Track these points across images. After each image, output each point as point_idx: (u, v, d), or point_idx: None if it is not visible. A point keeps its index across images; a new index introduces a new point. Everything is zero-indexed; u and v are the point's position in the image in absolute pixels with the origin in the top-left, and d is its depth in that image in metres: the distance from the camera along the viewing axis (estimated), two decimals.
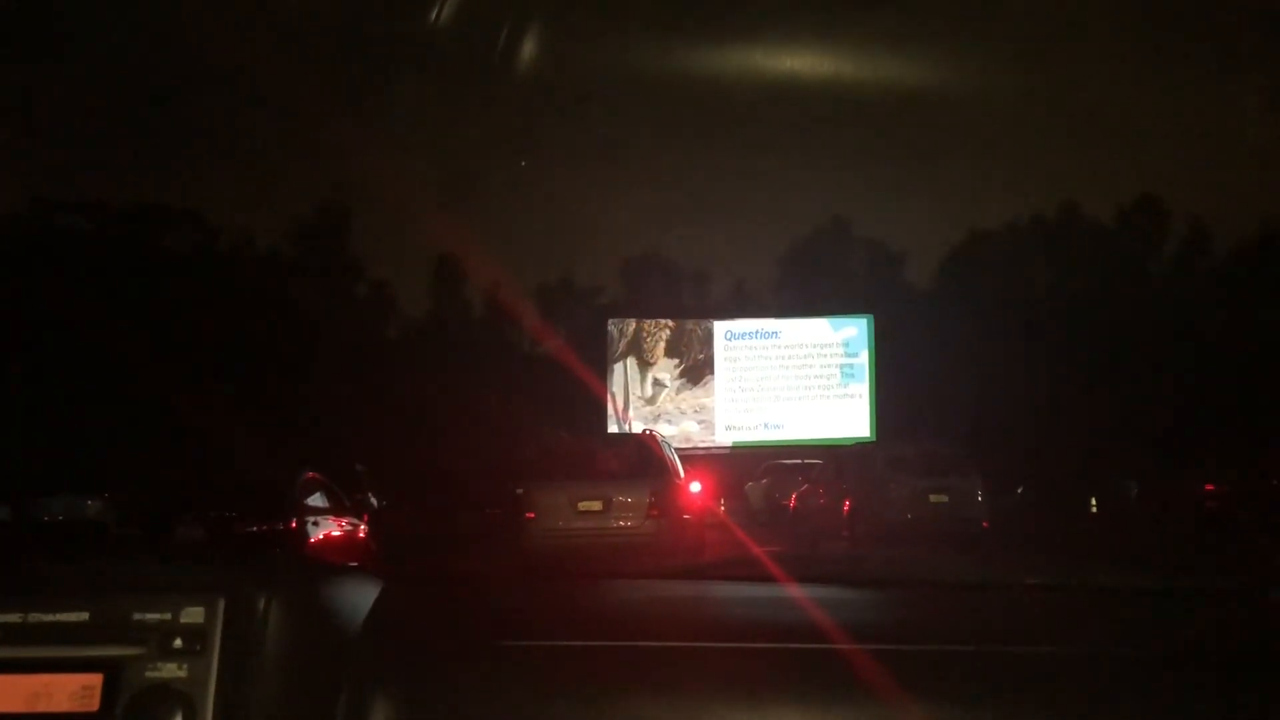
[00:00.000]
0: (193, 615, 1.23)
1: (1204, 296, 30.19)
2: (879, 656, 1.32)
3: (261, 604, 1.25)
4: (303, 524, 10.42)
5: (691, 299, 40.50)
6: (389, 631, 1.37)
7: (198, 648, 1.21)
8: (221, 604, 1.24)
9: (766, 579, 2.00)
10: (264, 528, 10.08)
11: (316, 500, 11.18)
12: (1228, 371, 24.44)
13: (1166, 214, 36.37)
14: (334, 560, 8.98)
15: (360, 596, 1.42)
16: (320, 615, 1.32)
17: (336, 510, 11.56)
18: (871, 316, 28.95)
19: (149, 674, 1.20)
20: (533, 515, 11.80)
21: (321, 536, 10.72)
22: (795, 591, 1.77)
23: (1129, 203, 36.57)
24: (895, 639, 1.39)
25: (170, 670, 1.20)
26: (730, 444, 28.32)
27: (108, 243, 26.76)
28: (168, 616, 1.23)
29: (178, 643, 1.21)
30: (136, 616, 1.23)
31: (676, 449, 14.93)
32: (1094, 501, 23.60)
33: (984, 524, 15.43)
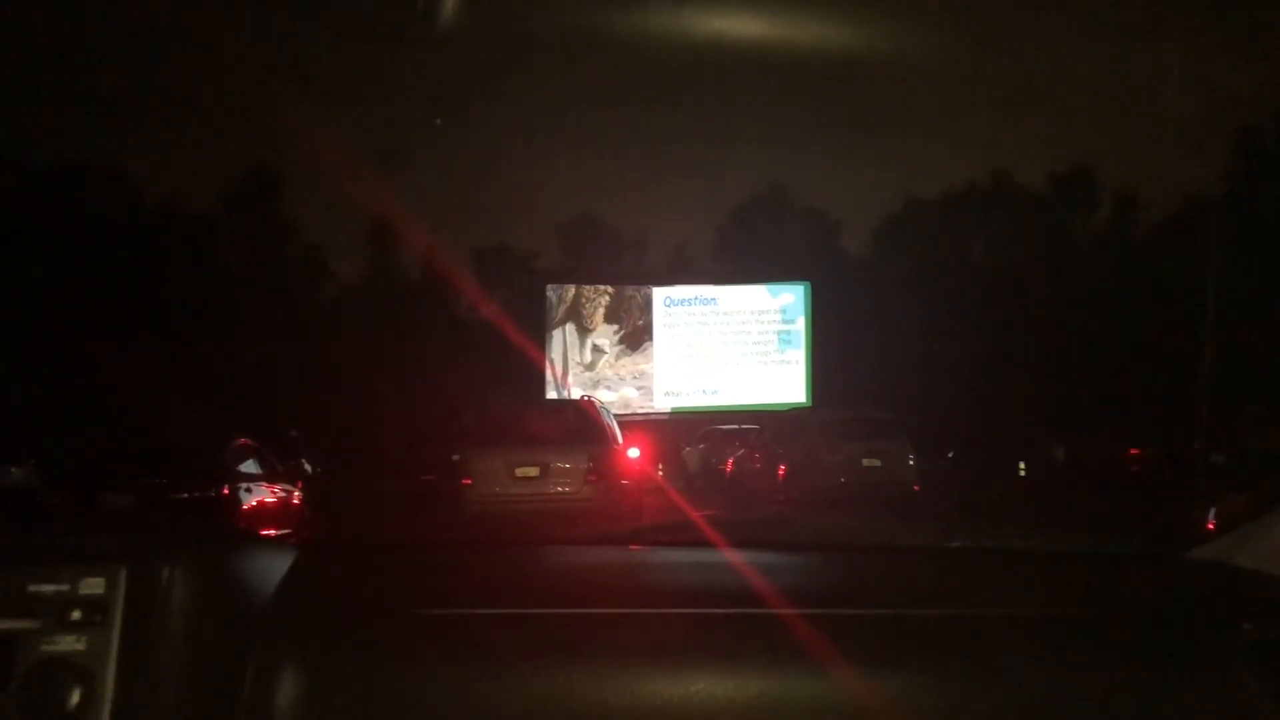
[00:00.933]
0: (92, 586, 1.19)
1: (1131, 265, 30.81)
2: (808, 621, 1.32)
3: (165, 574, 1.21)
4: (235, 491, 10.28)
5: (630, 264, 40.42)
6: (303, 601, 1.34)
7: (97, 619, 1.17)
8: (123, 574, 1.20)
9: (700, 544, 2.00)
10: (195, 494, 9.92)
11: (249, 467, 11.03)
12: (1153, 338, 25.03)
13: (1096, 184, 37.02)
14: (268, 527, 8.91)
15: (272, 565, 1.39)
16: (228, 584, 1.29)
17: (270, 477, 11.42)
18: (809, 284, 29.18)
19: (45, 648, 1.16)
20: (469, 481, 11.76)
21: (255, 503, 10.59)
22: (728, 556, 1.78)
23: (1061, 172, 37.15)
24: (823, 603, 1.39)
25: (68, 643, 1.17)
26: (669, 409, 28.44)
27: (29, 205, 25.96)
28: (65, 588, 1.18)
29: (76, 615, 1.17)
30: (32, 588, 1.18)
31: (615, 415, 14.96)
32: (1022, 465, 24.11)
33: (915, 488, 15.74)
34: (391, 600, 1.40)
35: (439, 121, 33.01)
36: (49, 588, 1.18)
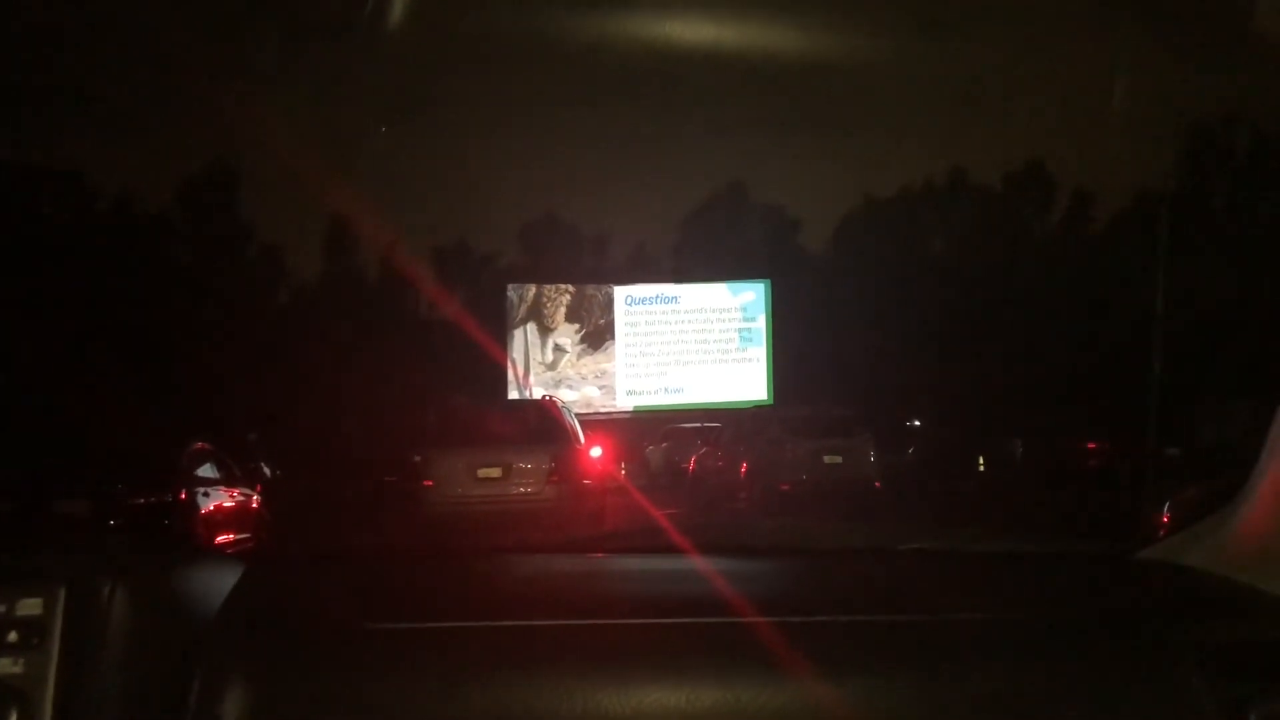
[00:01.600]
0: (29, 607, 1.16)
1: (1086, 260, 31.22)
2: (767, 629, 1.32)
3: (105, 592, 1.19)
4: (192, 495, 10.14)
5: (591, 264, 40.37)
6: (249, 617, 1.32)
7: (35, 641, 1.15)
8: (62, 594, 1.17)
9: (660, 550, 1.99)
10: (150, 500, 9.78)
11: (207, 471, 10.88)
12: (1110, 334, 25.37)
13: (1052, 181, 37.47)
14: (226, 532, 8.78)
15: (219, 579, 1.36)
16: (171, 602, 1.27)
17: (228, 481, 11.28)
18: (769, 281, 29.31)
19: None
20: (430, 483, 11.68)
21: (212, 508, 10.46)
22: (688, 563, 1.77)
23: (1016, 169, 37.56)
24: (781, 610, 1.39)
25: (4, 666, 1.14)
26: (631, 408, 28.46)
27: None
28: (2, 609, 1.16)
29: (12, 636, 1.15)
30: None
31: (578, 414, 14.93)
32: (981, 461, 24.35)
33: (876, 484, 15.84)
34: (342, 614, 1.38)
35: (383, 129, 32.80)
36: None
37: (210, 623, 1.28)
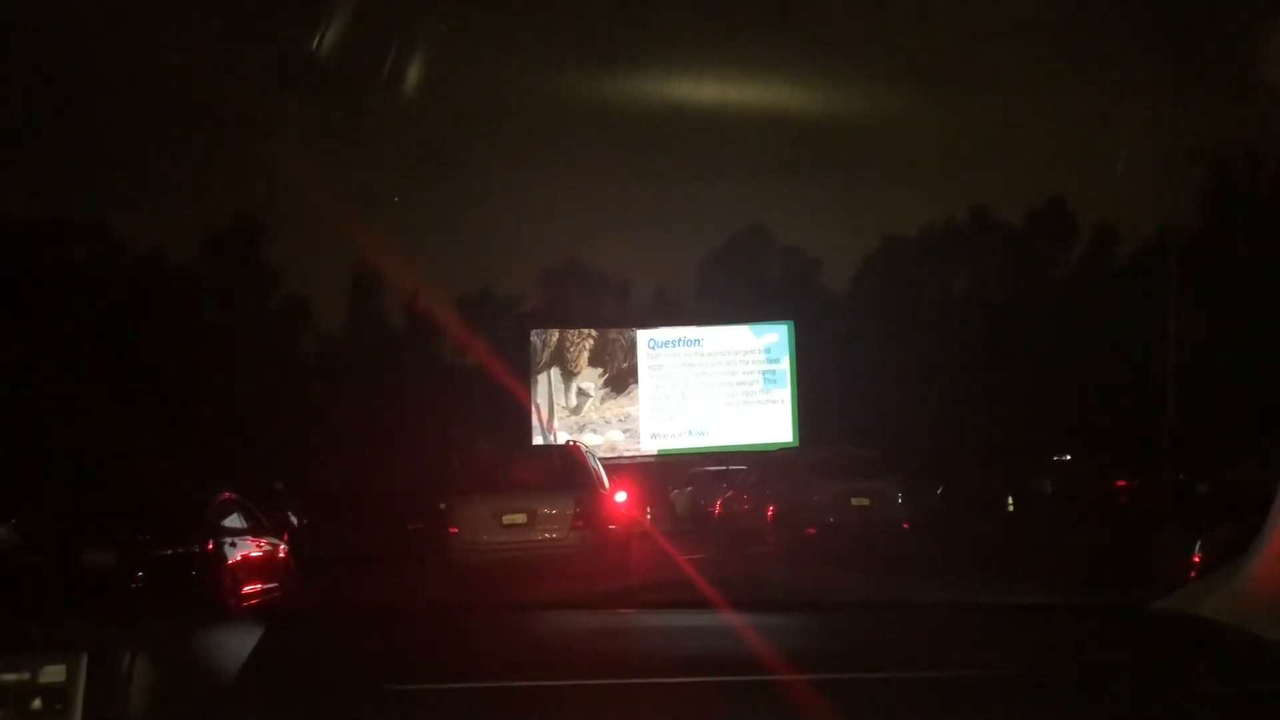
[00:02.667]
0: (53, 674, 1.18)
1: (1109, 297, 31.03)
2: (796, 686, 1.32)
3: (127, 659, 1.21)
4: (219, 546, 10.18)
5: (613, 308, 40.49)
6: (268, 680, 1.33)
7: (58, 707, 1.16)
8: (84, 661, 1.19)
9: (685, 605, 1.98)
10: (178, 551, 9.82)
11: (233, 520, 10.93)
12: (1136, 370, 25.16)
13: (1074, 217, 37.36)
14: (253, 581, 8.80)
15: (237, 643, 1.38)
16: (192, 665, 1.28)
17: (255, 530, 11.31)
18: (792, 323, 29.28)
19: None
20: (456, 530, 11.66)
21: (239, 558, 10.48)
22: (714, 618, 1.77)
23: (1038, 208, 37.48)
24: (807, 668, 1.39)
25: None
26: (656, 452, 28.38)
27: (10, 257, 25.88)
28: (26, 676, 1.17)
29: (37, 703, 1.16)
30: None
31: (602, 458, 14.91)
32: (1010, 500, 24.09)
33: (904, 525, 15.67)
34: (359, 675, 1.39)
35: (396, 199, 33.25)
36: (10, 676, 1.17)
37: (230, 686, 1.30)
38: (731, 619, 1.69)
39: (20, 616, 1.38)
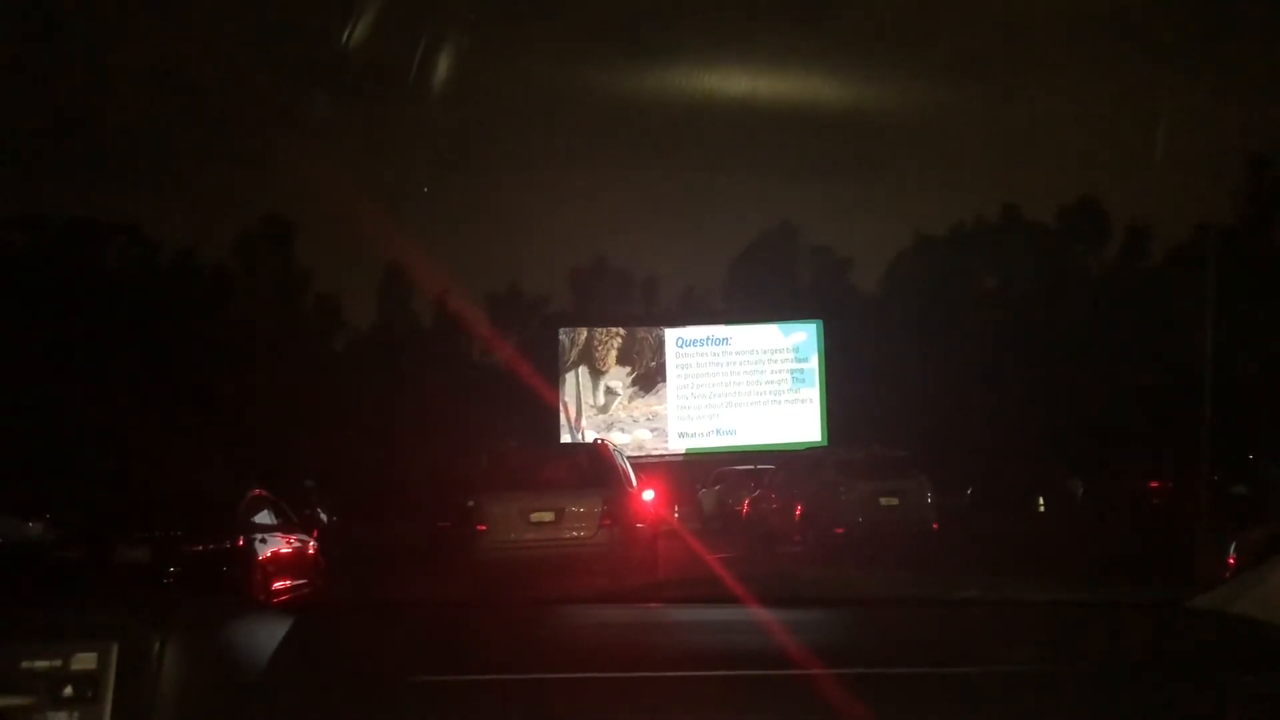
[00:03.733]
0: (84, 661, 1.19)
1: (1142, 296, 30.71)
2: (826, 681, 1.31)
3: (157, 647, 1.21)
4: (250, 542, 10.26)
5: (641, 306, 40.57)
6: (297, 670, 1.34)
7: (89, 695, 1.17)
8: (115, 648, 1.20)
9: (712, 600, 1.97)
10: (209, 547, 9.91)
11: (264, 517, 11.02)
12: (1168, 370, 24.90)
13: (1105, 216, 37.03)
14: (283, 578, 8.88)
15: (267, 634, 1.38)
16: (221, 655, 1.29)
17: (285, 527, 11.40)
18: (821, 322, 29.16)
19: None
20: (484, 527, 11.68)
21: (270, 554, 10.57)
22: (742, 613, 1.76)
23: (1070, 205, 37.17)
24: (838, 662, 1.38)
25: (60, 719, 1.16)
26: (684, 451, 28.36)
27: (45, 258, 26.22)
28: (58, 663, 1.19)
29: (68, 691, 1.17)
30: (25, 664, 1.19)
31: (629, 457, 14.90)
32: (1041, 501, 23.92)
33: (934, 526, 15.58)
34: (390, 666, 1.39)
35: (425, 190, 33.39)
36: (42, 664, 1.19)
37: (259, 676, 1.30)
38: (759, 614, 1.68)
39: (51, 604, 1.39)
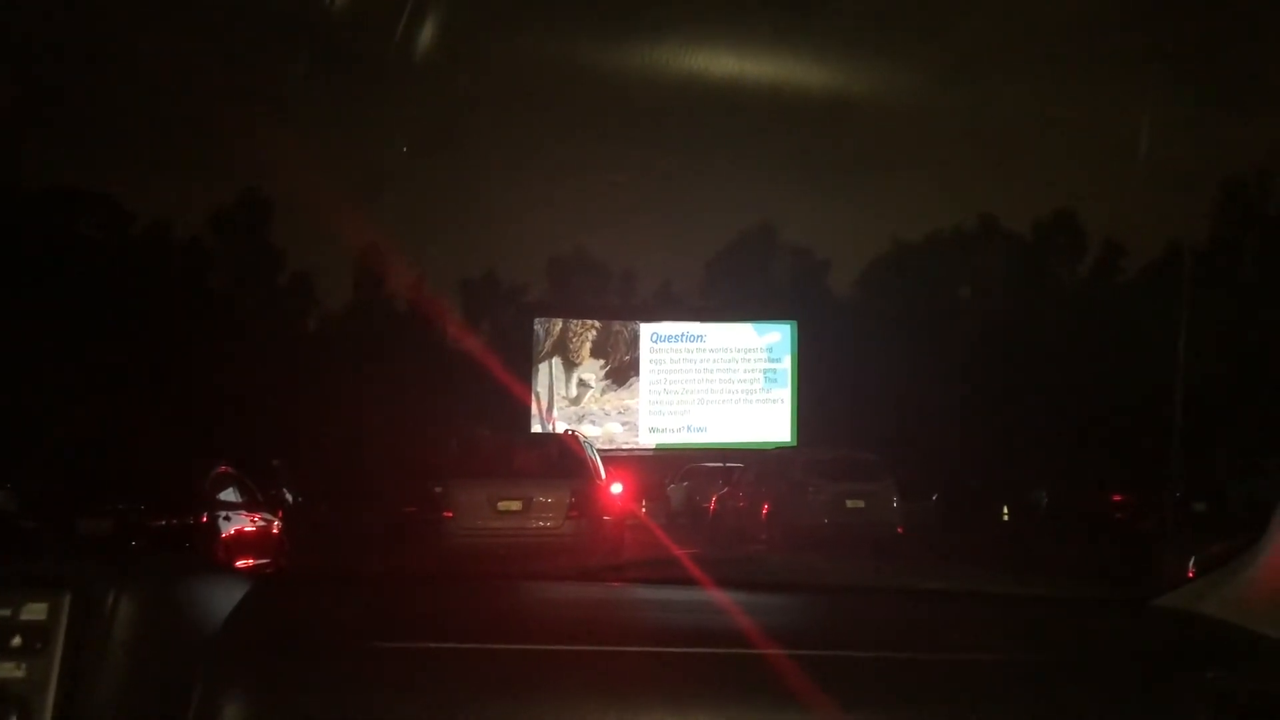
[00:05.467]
0: (34, 612, 1.17)
1: (1114, 311, 31.01)
2: (784, 661, 1.32)
3: (110, 600, 1.20)
4: (214, 519, 10.21)
5: (618, 300, 40.53)
6: (255, 631, 1.33)
7: (38, 646, 1.16)
8: (67, 600, 1.18)
9: (675, 581, 1.98)
10: (173, 521, 9.85)
11: (229, 495, 10.96)
12: (1137, 386, 25.16)
13: (1082, 229, 37.36)
14: (246, 556, 8.84)
15: (225, 594, 1.37)
16: (174, 613, 1.27)
17: (249, 505, 11.34)
18: (795, 322, 29.26)
19: None
20: (450, 514, 11.67)
21: (233, 531, 10.51)
22: (704, 594, 1.77)
23: (1046, 217, 37.47)
24: (798, 644, 1.38)
25: (7, 670, 1.15)
26: (654, 446, 28.39)
27: (16, 227, 25.88)
28: (7, 613, 1.17)
29: (16, 641, 1.16)
30: None
31: (600, 450, 14.91)
32: (1005, 510, 24.08)
33: (899, 530, 15.69)
34: (346, 632, 1.38)
35: (404, 149, 33.13)
36: None
37: (215, 635, 1.29)
38: (721, 596, 1.69)
39: (2, 557, 1.37)
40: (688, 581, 1.85)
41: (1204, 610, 1.61)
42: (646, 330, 29.18)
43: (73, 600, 1.19)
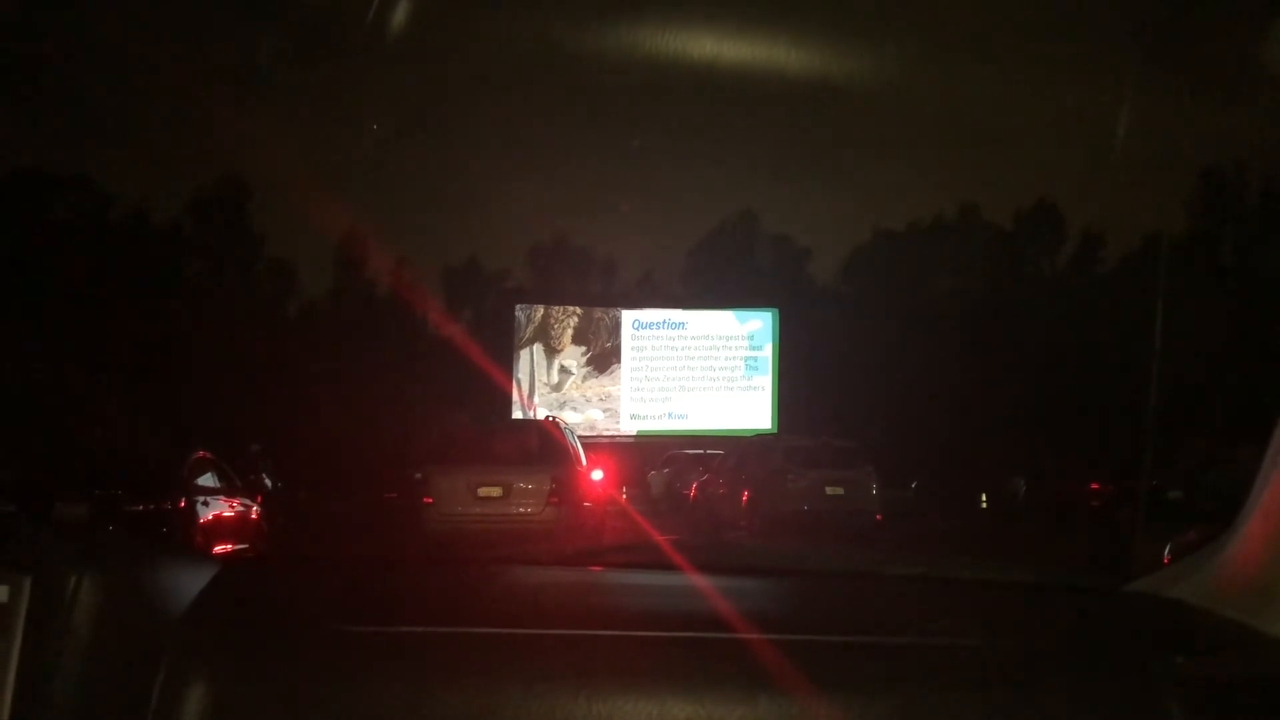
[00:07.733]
0: None
1: (1093, 300, 31.19)
2: (761, 645, 1.32)
3: (72, 583, 1.18)
4: (191, 504, 10.13)
5: (600, 287, 40.50)
6: (220, 615, 1.31)
7: None
8: (28, 583, 1.17)
9: (655, 566, 1.98)
10: (150, 507, 9.77)
11: (207, 480, 10.87)
12: (1114, 375, 25.33)
13: (1062, 220, 37.56)
14: (224, 541, 8.77)
15: (191, 577, 1.36)
16: (139, 596, 1.26)
17: (228, 491, 11.26)
18: (777, 310, 29.32)
19: None
20: (431, 500, 11.65)
21: (211, 517, 10.44)
22: (683, 579, 1.77)
23: (1027, 208, 37.66)
24: (775, 628, 1.38)
25: None
26: (635, 432, 28.42)
27: None
28: None
29: None
30: None
31: (581, 437, 14.91)
32: (984, 498, 24.22)
33: (877, 517, 15.77)
34: (313, 615, 1.37)
35: (375, 127, 32.84)
36: None
37: (179, 618, 1.28)
38: (699, 580, 1.69)
39: None
40: (664, 566, 1.85)
41: (1177, 596, 1.62)
42: (628, 317, 29.18)
43: (34, 584, 1.17)
